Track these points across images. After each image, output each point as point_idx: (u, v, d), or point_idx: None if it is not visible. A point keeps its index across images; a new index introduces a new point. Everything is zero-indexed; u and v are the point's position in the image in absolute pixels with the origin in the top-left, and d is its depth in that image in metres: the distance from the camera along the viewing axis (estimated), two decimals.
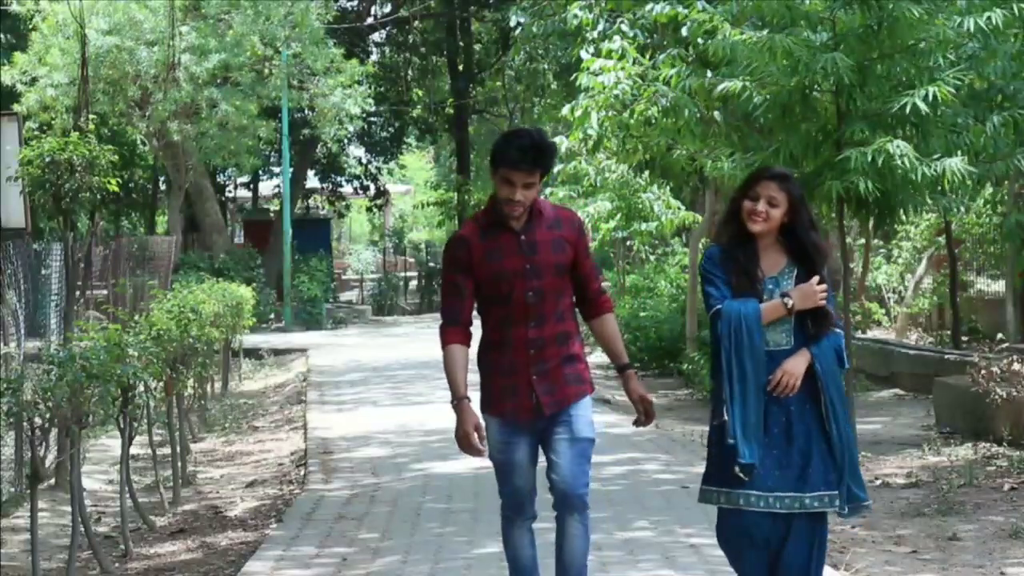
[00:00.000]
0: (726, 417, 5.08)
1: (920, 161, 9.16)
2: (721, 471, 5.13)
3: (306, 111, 28.78)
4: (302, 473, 10.40)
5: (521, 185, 5.13)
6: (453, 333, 5.29)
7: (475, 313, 5.39)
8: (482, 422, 5.26)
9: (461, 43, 36.01)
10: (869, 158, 9.06)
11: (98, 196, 10.63)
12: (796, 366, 5.13)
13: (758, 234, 5.17)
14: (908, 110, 9.02)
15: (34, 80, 22.93)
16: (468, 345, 5.31)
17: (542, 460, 5.41)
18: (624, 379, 5.39)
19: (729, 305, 5.12)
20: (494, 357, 5.34)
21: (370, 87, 29.12)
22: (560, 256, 5.28)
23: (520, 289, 5.22)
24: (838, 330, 5.27)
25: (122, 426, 8.10)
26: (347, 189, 41.07)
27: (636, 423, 5.45)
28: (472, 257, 5.24)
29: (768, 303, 5.15)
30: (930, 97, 8.93)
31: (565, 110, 12.86)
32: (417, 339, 22.82)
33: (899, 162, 9.01)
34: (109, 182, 10.52)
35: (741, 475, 5.02)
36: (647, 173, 16.84)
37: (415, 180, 52.94)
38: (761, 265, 5.22)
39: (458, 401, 5.21)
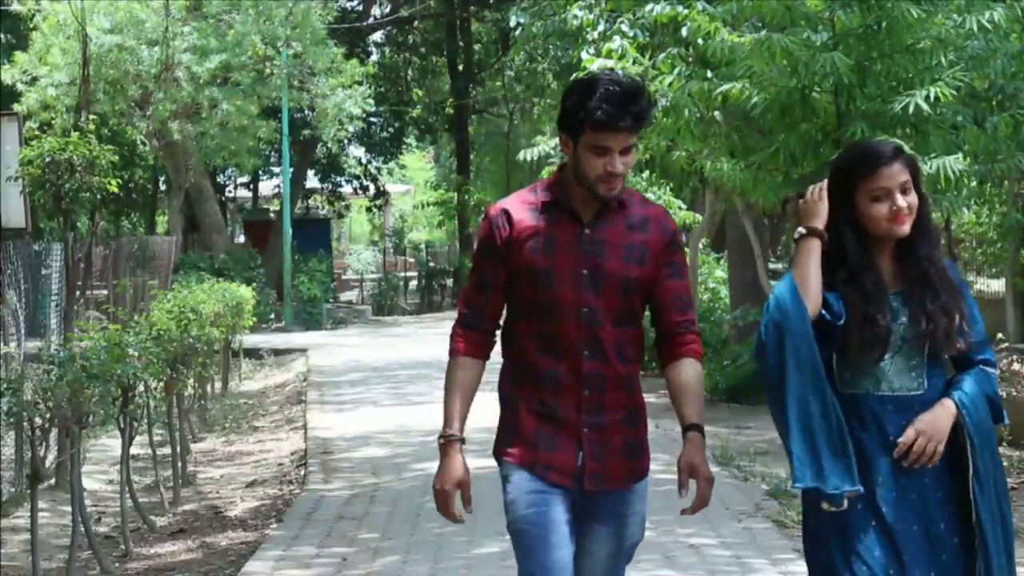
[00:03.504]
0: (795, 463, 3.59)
1: (920, 160, 9.17)
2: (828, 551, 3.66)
3: (306, 111, 28.79)
4: (302, 473, 10.40)
5: (619, 151, 3.71)
6: (469, 340, 3.88)
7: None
8: (469, 477, 3.89)
9: (461, 43, 36.01)
10: None
11: (98, 196, 10.63)
12: (938, 424, 3.65)
13: (886, 240, 3.74)
14: (911, 110, 9.03)
15: (34, 80, 22.93)
16: (483, 360, 3.90)
17: None
18: (684, 442, 3.80)
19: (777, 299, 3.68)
20: (527, 391, 3.82)
21: (370, 87, 29.12)
22: (633, 268, 3.78)
23: (570, 301, 3.76)
24: (990, 368, 3.81)
25: (122, 426, 8.10)
26: (347, 189, 41.11)
27: (684, 511, 3.88)
28: (511, 239, 3.80)
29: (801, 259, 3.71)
30: (931, 97, 8.93)
31: None
32: (417, 339, 22.83)
33: None
34: (109, 182, 10.52)
35: (831, 507, 3.57)
36: (647, 173, 16.86)
37: (415, 180, 52.92)
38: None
39: (445, 440, 3.88)
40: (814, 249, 3.69)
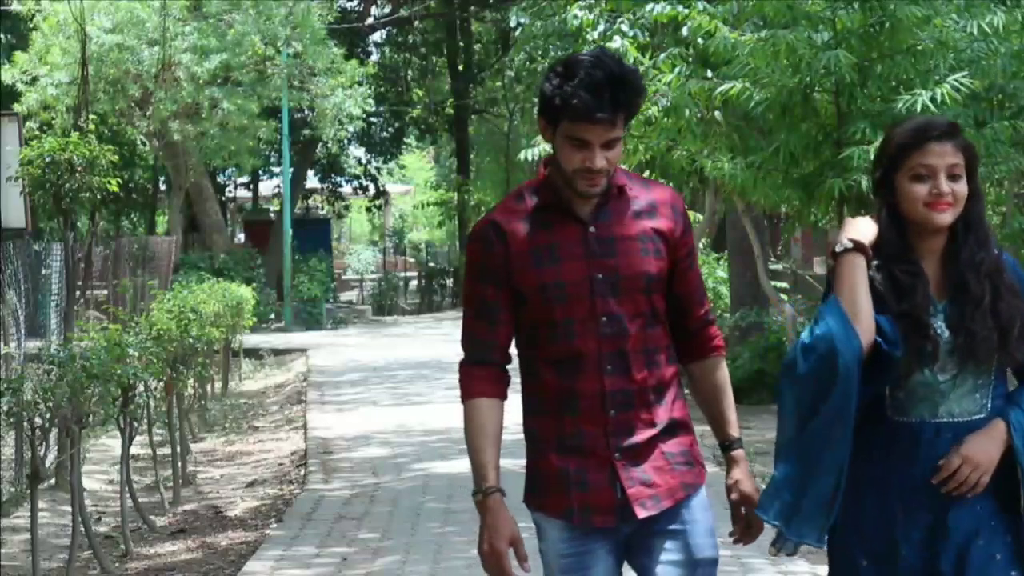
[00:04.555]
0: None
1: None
2: None
3: (306, 111, 28.79)
4: (302, 473, 10.40)
5: (600, 144, 3.22)
6: (480, 379, 3.36)
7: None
8: (519, 532, 3.28)
9: (461, 43, 36.04)
10: (871, 156, 9.06)
11: (98, 196, 10.64)
12: (985, 451, 3.18)
13: (939, 231, 3.28)
14: (917, 108, 9.01)
15: (35, 80, 22.93)
16: (502, 399, 3.38)
17: None
18: (728, 463, 3.44)
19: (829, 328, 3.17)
20: (548, 424, 3.35)
21: (370, 87, 29.14)
22: (652, 261, 3.33)
23: (587, 313, 3.29)
24: None
25: (122, 426, 8.10)
26: (347, 189, 41.13)
27: (733, 536, 3.45)
28: (509, 256, 3.31)
29: (846, 280, 3.21)
30: (938, 98, 8.93)
31: None
32: (417, 339, 22.82)
33: None
34: (109, 182, 10.52)
35: (777, 551, 3.24)
36: (647, 173, 16.84)
37: (415, 180, 52.94)
38: (931, 289, 3.28)
39: (484, 495, 3.28)
40: (860, 266, 3.19)
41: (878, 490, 3.22)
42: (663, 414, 3.35)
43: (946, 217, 3.22)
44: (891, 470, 3.22)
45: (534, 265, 3.30)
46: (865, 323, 3.15)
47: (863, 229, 3.25)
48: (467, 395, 3.36)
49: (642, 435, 3.31)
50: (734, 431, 3.44)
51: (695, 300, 3.44)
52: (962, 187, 3.23)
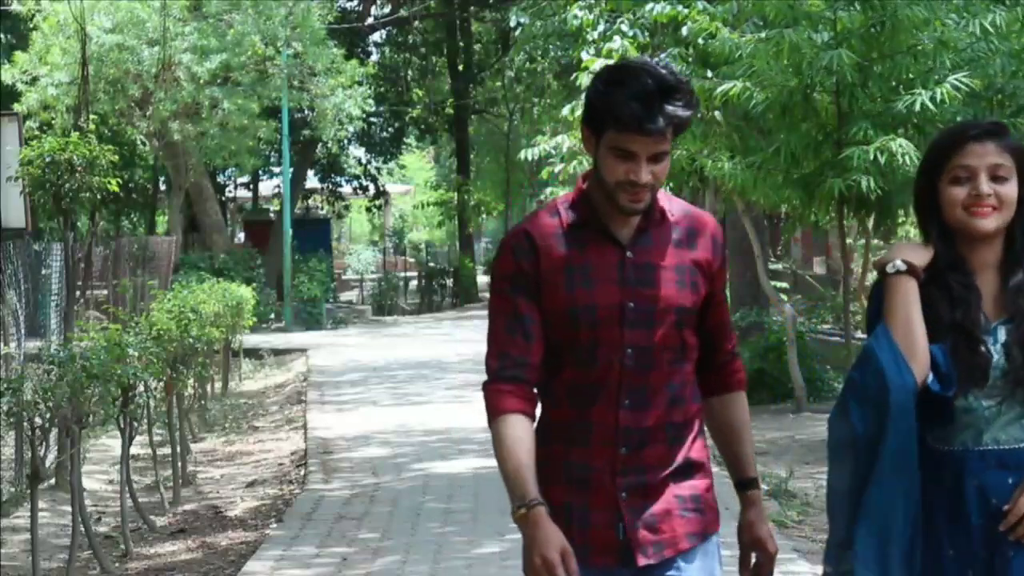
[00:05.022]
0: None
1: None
2: None
3: (306, 111, 28.80)
4: (302, 473, 10.40)
5: (647, 157, 3.00)
6: (511, 396, 3.08)
7: None
8: (568, 544, 2.98)
9: (461, 43, 36.07)
10: (871, 156, 9.06)
11: (98, 196, 10.63)
12: None
13: (984, 238, 2.95)
14: (916, 107, 9.02)
15: (35, 80, 22.93)
16: (534, 419, 3.13)
17: None
18: (743, 504, 3.25)
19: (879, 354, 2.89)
20: (555, 452, 3.13)
21: (370, 87, 29.14)
22: (688, 295, 3.12)
23: (613, 342, 3.08)
24: None
25: (122, 426, 8.10)
26: (347, 189, 41.14)
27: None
28: (540, 273, 3.09)
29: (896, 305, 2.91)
30: (937, 97, 8.93)
31: (565, 110, 12.88)
32: (417, 339, 22.81)
33: (901, 160, 9.02)
34: (109, 182, 10.52)
35: None
36: None
37: (415, 180, 52.97)
38: (984, 306, 2.96)
39: (528, 508, 3.00)
40: (913, 291, 2.88)
41: (924, 525, 2.93)
42: (678, 454, 3.13)
43: (988, 223, 2.91)
44: (937, 504, 2.95)
45: (565, 287, 3.07)
46: (920, 357, 2.87)
47: (915, 252, 2.96)
48: (498, 412, 3.07)
49: (653, 475, 3.10)
50: (751, 470, 3.23)
51: (724, 335, 3.26)
52: (1009, 189, 2.92)
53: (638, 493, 3.09)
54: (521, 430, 3.04)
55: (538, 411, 3.14)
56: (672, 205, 3.15)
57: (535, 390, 3.12)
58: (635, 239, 3.08)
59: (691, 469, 3.14)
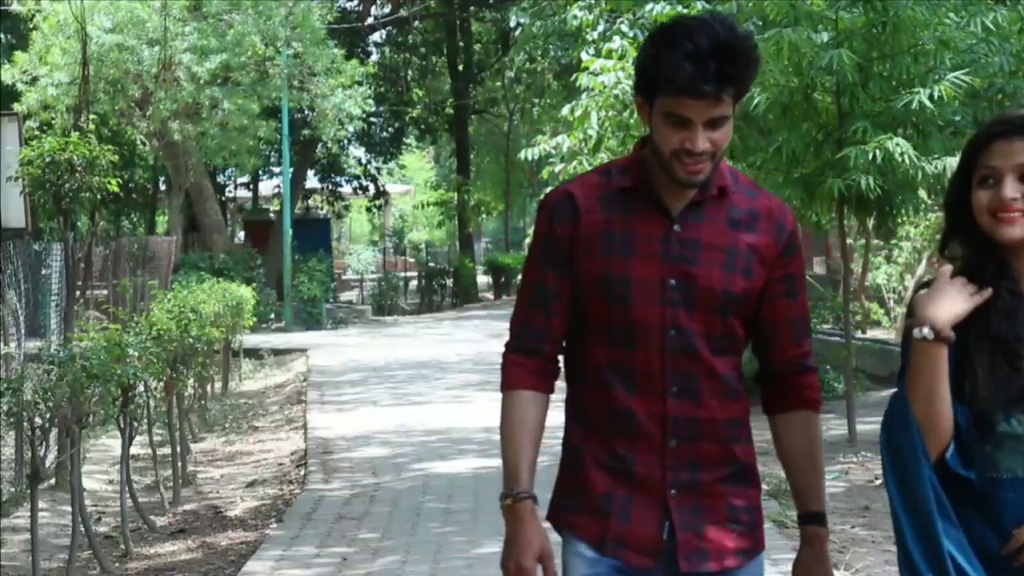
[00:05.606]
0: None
1: (921, 159, 9.18)
2: None
3: (306, 111, 28.81)
4: (302, 473, 10.40)
5: (703, 123, 2.73)
6: (525, 368, 2.91)
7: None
8: (550, 546, 2.83)
9: (461, 43, 36.08)
10: (870, 156, 9.07)
11: (98, 196, 10.63)
12: None
13: (1013, 246, 2.65)
14: (914, 105, 9.02)
15: (35, 80, 22.93)
16: (548, 393, 2.93)
17: None
18: (803, 539, 3.03)
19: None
20: (594, 440, 2.88)
21: (370, 87, 29.14)
22: (738, 280, 2.84)
23: (655, 321, 2.82)
24: None
25: (122, 426, 8.10)
26: (347, 189, 41.16)
27: None
28: (577, 235, 2.85)
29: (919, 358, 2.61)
30: (935, 96, 8.93)
31: (565, 110, 12.88)
32: (417, 339, 22.81)
33: (899, 159, 9.02)
34: (109, 182, 10.52)
35: None
36: None
37: (415, 180, 52.99)
38: None
39: (514, 500, 2.84)
40: (941, 361, 2.57)
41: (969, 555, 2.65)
42: (732, 456, 2.88)
43: (1014, 231, 2.60)
44: (980, 534, 2.65)
45: (603, 252, 2.82)
46: (941, 429, 2.60)
47: (950, 304, 2.60)
48: (508, 385, 2.90)
49: (707, 474, 2.85)
50: (817, 503, 2.96)
51: (786, 335, 2.91)
52: None
53: (690, 492, 2.84)
54: (527, 410, 2.87)
55: (558, 386, 2.96)
56: (736, 183, 2.89)
57: (554, 360, 2.93)
58: (686, 212, 2.83)
59: (746, 475, 2.92)
